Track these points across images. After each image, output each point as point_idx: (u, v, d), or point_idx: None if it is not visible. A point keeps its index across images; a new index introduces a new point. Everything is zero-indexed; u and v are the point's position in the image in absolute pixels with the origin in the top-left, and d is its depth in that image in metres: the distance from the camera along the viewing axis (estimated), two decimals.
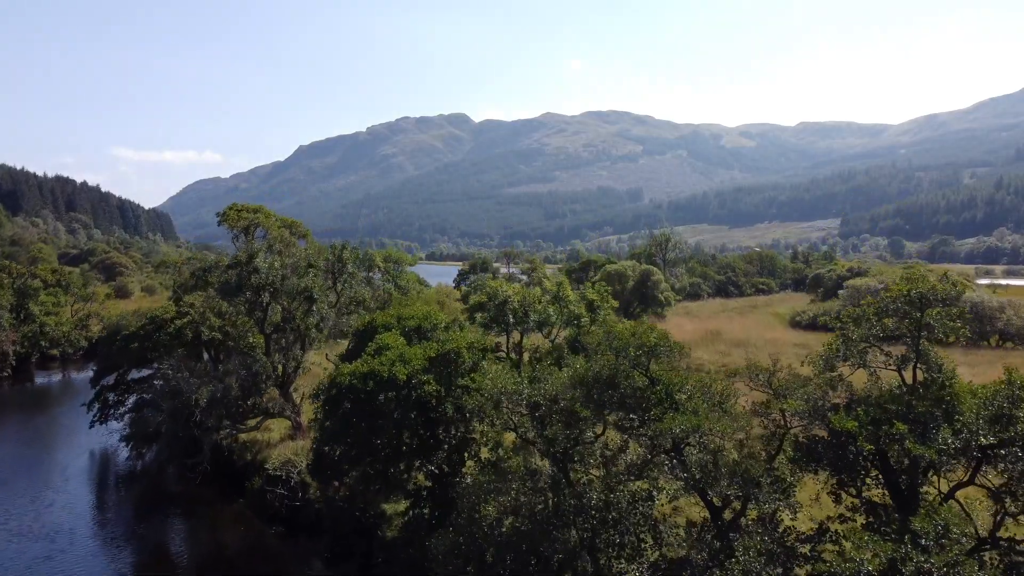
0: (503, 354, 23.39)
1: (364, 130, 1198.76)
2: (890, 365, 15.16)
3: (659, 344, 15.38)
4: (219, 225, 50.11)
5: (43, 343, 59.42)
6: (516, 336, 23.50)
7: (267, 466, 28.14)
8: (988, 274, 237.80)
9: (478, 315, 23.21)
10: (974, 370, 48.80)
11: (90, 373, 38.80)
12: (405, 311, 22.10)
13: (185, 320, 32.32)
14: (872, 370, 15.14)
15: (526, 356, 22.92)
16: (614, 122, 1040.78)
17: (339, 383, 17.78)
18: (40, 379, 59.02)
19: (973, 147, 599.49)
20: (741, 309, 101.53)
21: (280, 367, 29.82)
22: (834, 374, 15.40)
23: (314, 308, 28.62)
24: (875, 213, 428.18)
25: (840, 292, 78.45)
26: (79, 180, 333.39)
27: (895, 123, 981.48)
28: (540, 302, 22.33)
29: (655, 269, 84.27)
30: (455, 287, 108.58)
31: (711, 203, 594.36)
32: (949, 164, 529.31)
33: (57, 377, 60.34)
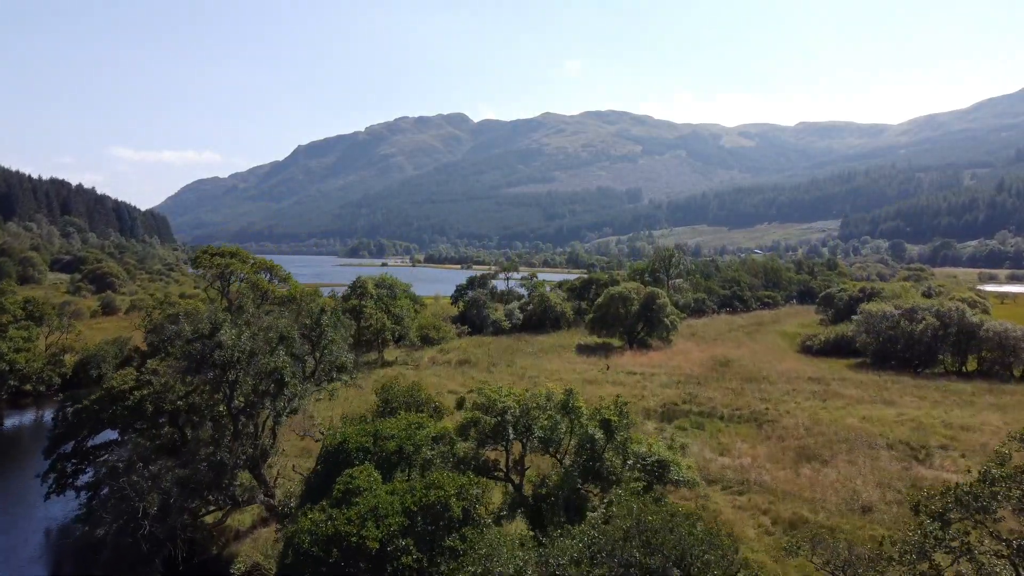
0: (501, 474, 20.07)
1: (363, 130, 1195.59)
2: (1002, 553, 11.82)
3: (705, 542, 12.00)
4: (193, 268, 47.14)
5: (12, 382, 55.88)
6: (517, 448, 20.15)
7: (232, 570, 24.75)
8: (992, 279, 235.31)
9: (472, 431, 19.90)
10: (1007, 415, 45.27)
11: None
12: (384, 425, 18.72)
13: (145, 392, 28.86)
14: (980, 565, 11.76)
15: (528, 488, 19.49)
16: (613, 122, 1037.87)
17: (297, 544, 14.40)
18: (10, 420, 55.34)
19: (973, 147, 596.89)
20: (748, 328, 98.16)
21: (250, 451, 26.38)
22: (927, 568, 12.01)
23: (285, 391, 25.19)
24: (875, 214, 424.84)
25: (854, 317, 75.47)
26: (77, 181, 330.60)
27: (895, 123, 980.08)
28: (545, 412, 18.99)
29: (660, 292, 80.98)
30: (453, 302, 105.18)
31: (710, 204, 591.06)
32: (949, 165, 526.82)
33: (30, 416, 56.68)
